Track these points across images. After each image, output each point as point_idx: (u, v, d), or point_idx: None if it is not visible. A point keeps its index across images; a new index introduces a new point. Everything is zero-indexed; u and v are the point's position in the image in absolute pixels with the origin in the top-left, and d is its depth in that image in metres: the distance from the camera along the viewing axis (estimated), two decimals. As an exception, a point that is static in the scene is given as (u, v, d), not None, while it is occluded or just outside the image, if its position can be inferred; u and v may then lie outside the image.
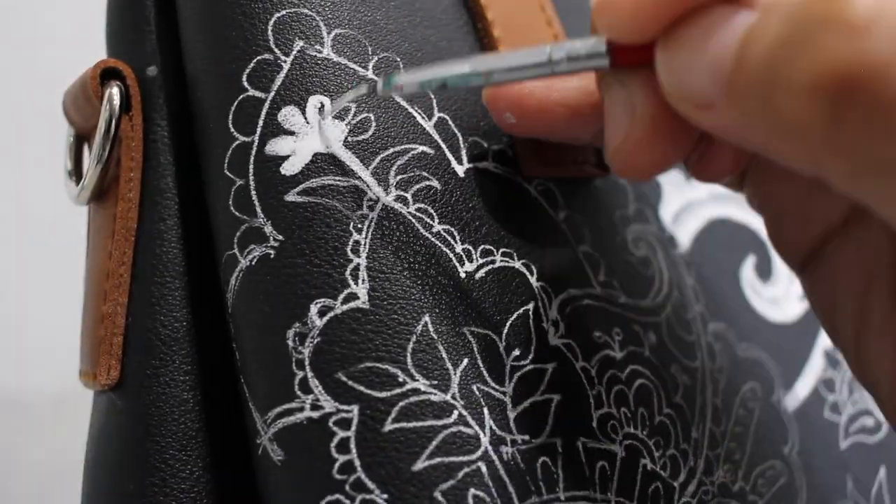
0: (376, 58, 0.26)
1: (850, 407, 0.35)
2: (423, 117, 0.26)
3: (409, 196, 0.24)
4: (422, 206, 0.24)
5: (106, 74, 0.26)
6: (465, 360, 0.23)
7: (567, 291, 0.27)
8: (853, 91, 0.16)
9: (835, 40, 0.16)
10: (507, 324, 0.25)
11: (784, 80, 0.17)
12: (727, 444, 0.29)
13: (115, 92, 0.26)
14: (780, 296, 0.35)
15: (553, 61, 0.21)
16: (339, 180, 0.24)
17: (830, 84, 0.16)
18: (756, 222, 0.36)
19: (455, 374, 0.23)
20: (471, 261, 0.25)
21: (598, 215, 0.29)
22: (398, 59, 0.26)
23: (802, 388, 0.34)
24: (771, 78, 0.17)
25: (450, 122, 0.26)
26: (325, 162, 0.24)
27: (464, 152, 0.26)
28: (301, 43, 0.25)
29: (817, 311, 0.25)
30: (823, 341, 0.35)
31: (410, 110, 0.25)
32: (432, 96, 0.26)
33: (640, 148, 0.21)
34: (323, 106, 0.24)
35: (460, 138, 0.26)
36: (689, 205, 0.33)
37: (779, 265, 0.36)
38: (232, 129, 0.24)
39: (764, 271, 0.35)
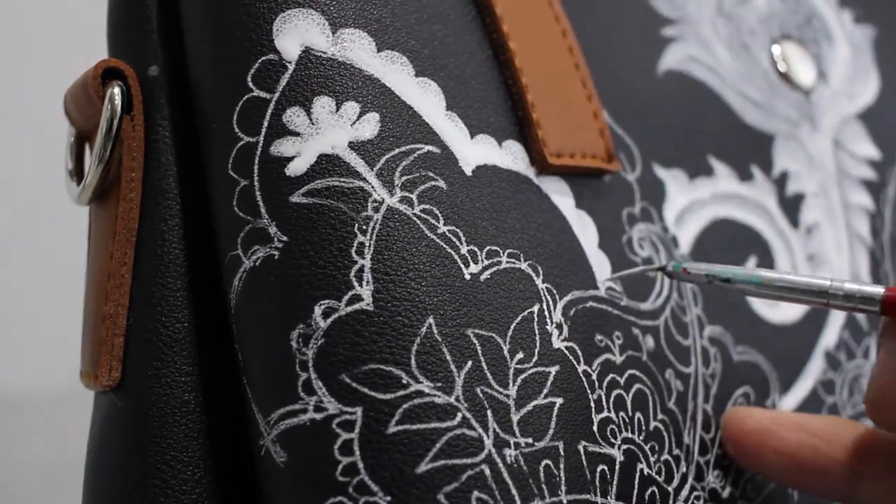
0: (382, 55, 0.25)
1: (849, 409, 0.35)
2: (429, 116, 0.25)
3: (414, 197, 0.24)
4: (427, 206, 0.24)
5: (107, 74, 0.26)
6: (469, 363, 0.23)
7: (572, 293, 0.26)
8: None
9: None
10: (512, 326, 0.24)
11: None
12: (716, 450, 0.29)
13: (116, 92, 0.25)
14: (780, 297, 0.35)
15: (830, 295, 0.23)
16: (343, 181, 0.24)
17: None
18: (759, 222, 0.36)
19: (459, 376, 0.23)
20: (476, 262, 0.25)
21: (607, 213, 0.29)
22: (404, 57, 0.26)
23: (800, 390, 0.34)
24: None
25: (458, 120, 0.26)
26: (330, 163, 0.24)
27: (472, 151, 0.26)
28: (306, 43, 0.24)
29: None
30: (825, 342, 0.35)
31: (417, 109, 0.25)
32: (441, 92, 0.26)
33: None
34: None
35: (468, 136, 0.26)
36: (691, 205, 0.33)
37: (780, 266, 0.35)
38: (236, 130, 0.24)
39: (765, 272, 0.35)
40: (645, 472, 0.26)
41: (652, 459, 0.27)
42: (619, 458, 0.25)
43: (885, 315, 0.23)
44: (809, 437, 0.27)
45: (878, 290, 0.23)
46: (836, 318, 0.36)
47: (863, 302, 0.23)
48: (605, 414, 0.26)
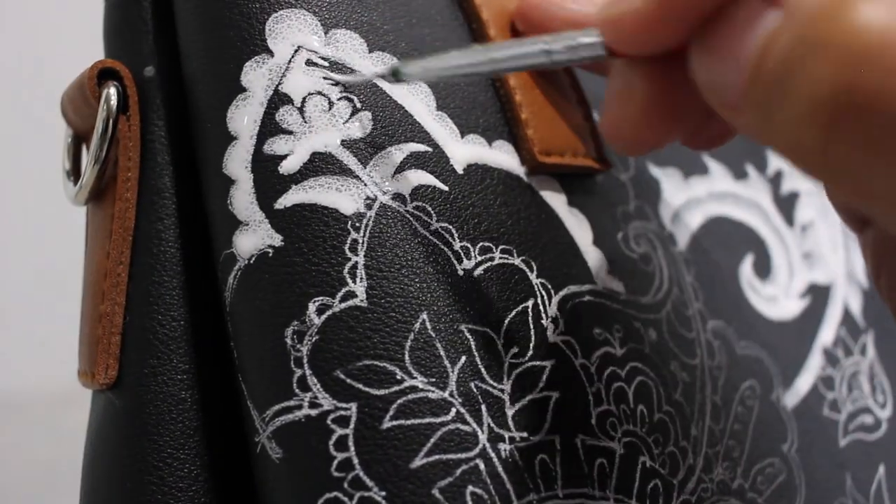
0: (373, 56, 0.26)
1: (849, 405, 0.35)
2: (420, 115, 0.26)
3: (406, 194, 0.24)
4: (420, 203, 0.24)
5: (103, 75, 0.26)
6: (463, 358, 0.23)
7: (567, 288, 0.27)
8: (846, 120, 0.16)
9: (832, 66, 0.16)
10: (506, 321, 0.25)
11: (787, 97, 0.16)
12: (726, 441, 0.29)
13: (112, 92, 0.26)
14: (778, 294, 0.35)
15: (551, 52, 0.22)
16: (337, 179, 0.24)
17: (824, 110, 0.16)
18: (754, 220, 0.36)
19: (453, 371, 0.23)
20: (469, 258, 0.25)
21: (600, 211, 0.29)
22: (395, 58, 0.26)
23: (801, 385, 0.34)
24: (777, 92, 0.17)
25: (448, 120, 0.26)
26: (323, 161, 0.24)
27: (462, 150, 0.26)
28: (298, 42, 0.25)
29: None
30: (822, 339, 0.35)
31: (409, 108, 0.26)
32: (430, 93, 0.26)
33: (629, 126, 0.21)
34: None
35: (458, 136, 0.26)
36: (688, 203, 0.33)
37: (777, 263, 0.36)
38: (229, 129, 0.24)
39: (762, 269, 0.35)
40: (647, 465, 0.26)
41: (656, 452, 0.26)
42: (620, 450, 0.25)
43: (612, 56, 0.21)
44: (590, 5, 0.26)
45: (599, 37, 0.21)
46: (833, 316, 0.36)
47: (587, 49, 0.21)
48: (604, 407, 0.26)
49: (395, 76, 0.24)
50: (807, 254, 0.37)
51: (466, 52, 0.23)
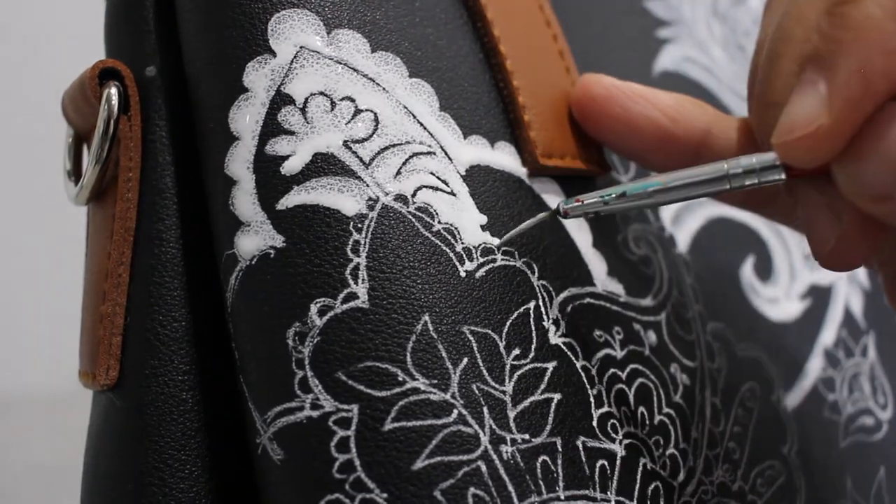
0: (376, 56, 0.26)
1: (849, 406, 0.35)
2: (423, 116, 0.26)
3: (408, 195, 0.24)
4: (422, 205, 0.24)
5: (104, 75, 0.26)
6: (465, 360, 0.23)
7: (568, 290, 0.27)
8: None
9: None
10: (508, 322, 0.25)
11: None
12: (726, 443, 0.29)
13: (113, 92, 0.26)
14: (779, 296, 0.35)
15: (731, 176, 0.22)
16: (339, 180, 0.24)
17: None
18: (756, 222, 0.36)
19: (455, 373, 0.23)
20: (471, 260, 0.25)
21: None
22: (398, 58, 0.26)
23: (802, 387, 0.34)
24: None
25: (451, 121, 0.26)
26: (325, 162, 0.24)
27: (465, 151, 0.26)
28: (301, 42, 0.25)
29: None
30: (823, 340, 0.35)
31: (411, 109, 0.25)
32: (434, 93, 0.26)
33: (850, 247, 0.22)
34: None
35: (461, 137, 0.26)
36: (689, 204, 0.34)
37: (778, 265, 0.36)
38: (232, 129, 0.24)
39: (763, 271, 0.35)
40: (648, 467, 0.26)
41: (656, 454, 0.27)
42: (621, 452, 0.25)
43: (791, 177, 0.22)
44: (653, 110, 0.27)
45: (775, 156, 0.22)
46: (835, 317, 0.36)
47: (765, 172, 0.22)
48: (605, 409, 0.26)
49: (564, 215, 0.25)
50: (808, 255, 0.37)
51: (640, 182, 0.24)
